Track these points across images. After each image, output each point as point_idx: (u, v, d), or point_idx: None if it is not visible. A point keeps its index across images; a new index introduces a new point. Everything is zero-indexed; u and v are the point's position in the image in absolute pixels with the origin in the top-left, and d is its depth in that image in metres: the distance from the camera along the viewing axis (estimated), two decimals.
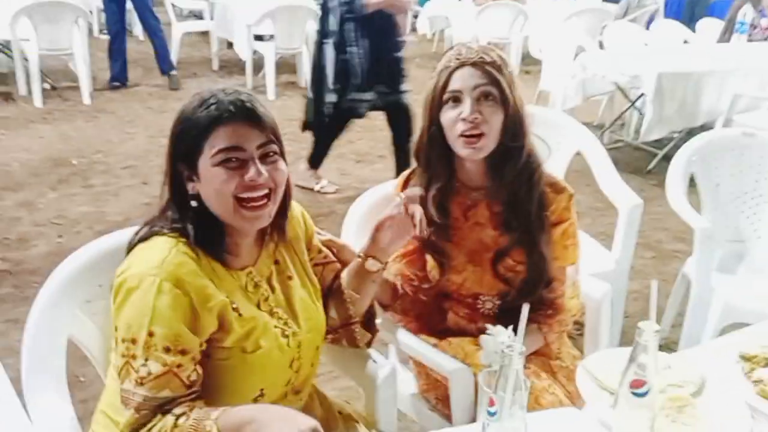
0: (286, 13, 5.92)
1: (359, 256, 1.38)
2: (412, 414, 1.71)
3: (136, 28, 8.56)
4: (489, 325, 1.29)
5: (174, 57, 6.94)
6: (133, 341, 1.12)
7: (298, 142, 4.97)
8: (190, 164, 1.18)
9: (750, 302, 2.13)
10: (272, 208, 1.22)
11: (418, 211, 1.33)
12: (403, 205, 1.32)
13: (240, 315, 1.20)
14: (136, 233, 1.23)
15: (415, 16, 8.61)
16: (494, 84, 1.44)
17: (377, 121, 5.43)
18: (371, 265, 1.36)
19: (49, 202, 3.84)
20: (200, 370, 1.17)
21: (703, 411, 1.17)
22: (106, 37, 8.27)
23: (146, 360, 1.12)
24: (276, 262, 1.32)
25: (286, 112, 5.73)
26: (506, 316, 1.51)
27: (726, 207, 2.48)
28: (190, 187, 1.20)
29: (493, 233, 1.54)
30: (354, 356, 1.49)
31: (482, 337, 1.27)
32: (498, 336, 1.24)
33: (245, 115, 1.17)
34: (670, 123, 4.41)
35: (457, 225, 1.56)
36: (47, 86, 5.87)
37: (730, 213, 2.48)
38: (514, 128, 1.47)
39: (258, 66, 6.14)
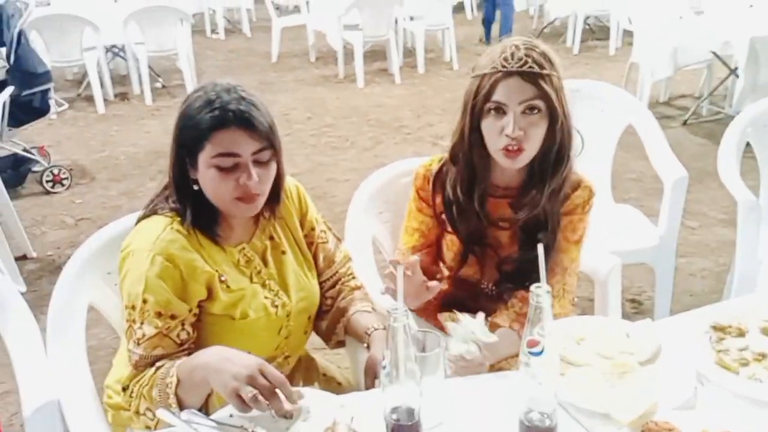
0: (372, 2, 6.05)
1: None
2: None
3: (244, 25, 9.07)
4: (457, 312, 1.29)
5: (274, 51, 7.29)
6: (133, 307, 1.29)
7: (379, 128, 5.12)
8: (192, 156, 1.30)
9: None
10: (261, 201, 1.33)
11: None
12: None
13: (228, 287, 1.34)
14: (144, 209, 1.38)
15: None
16: (542, 98, 1.38)
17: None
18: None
19: (147, 191, 4.19)
20: (191, 330, 1.32)
21: (646, 378, 1.17)
22: (217, 37, 8.85)
23: (142, 323, 1.28)
24: (271, 238, 1.44)
25: (372, 99, 5.89)
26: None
27: None
28: (192, 172, 1.32)
29: (509, 233, 1.53)
30: None
31: (449, 324, 1.24)
32: (467, 324, 1.24)
33: (244, 123, 1.26)
34: (766, 91, 4.10)
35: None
36: (159, 85, 6.37)
37: None
38: (561, 140, 1.42)
39: (351, 55, 6.31)
